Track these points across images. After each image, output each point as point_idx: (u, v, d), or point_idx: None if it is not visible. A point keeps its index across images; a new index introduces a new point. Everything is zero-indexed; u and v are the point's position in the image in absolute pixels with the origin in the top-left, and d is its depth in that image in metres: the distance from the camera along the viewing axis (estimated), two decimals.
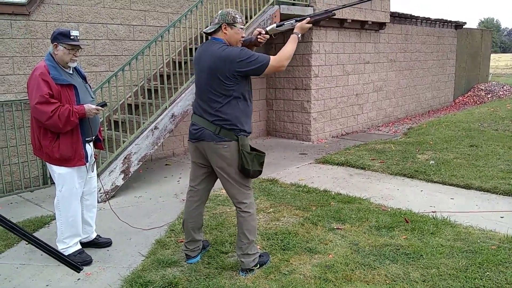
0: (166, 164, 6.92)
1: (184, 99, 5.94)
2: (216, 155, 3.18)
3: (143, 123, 5.66)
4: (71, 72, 3.51)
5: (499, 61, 42.66)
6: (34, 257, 3.73)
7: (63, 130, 3.35)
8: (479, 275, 3.19)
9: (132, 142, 5.48)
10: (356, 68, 9.64)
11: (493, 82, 17.14)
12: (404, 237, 3.91)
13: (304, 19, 3.33)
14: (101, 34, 6.33)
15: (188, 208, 3.47)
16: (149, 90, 6.36)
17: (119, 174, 5.29)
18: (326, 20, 8.35)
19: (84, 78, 3.66)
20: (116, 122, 5.99)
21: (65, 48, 3.38)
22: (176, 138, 7.50)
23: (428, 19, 12.35)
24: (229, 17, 3.16)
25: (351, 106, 9.67)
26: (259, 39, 3.35)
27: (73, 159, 3.45)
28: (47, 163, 3.55)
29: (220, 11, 3.23)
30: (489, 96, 15.09)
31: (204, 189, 3.44)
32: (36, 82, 3.29)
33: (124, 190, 5.49)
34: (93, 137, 3.67)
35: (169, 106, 5.84)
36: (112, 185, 5.21)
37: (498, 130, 8.74)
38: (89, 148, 3.61)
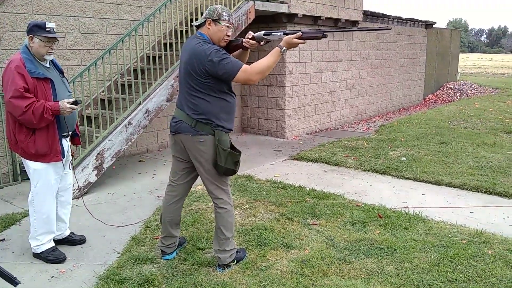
0: (140, 161, 6.84)
1: (159, 94, 5.88)
2: (193, 149, 3.16)
3: (117, 118, 5.58)
4: (47, 65, 3.42)
5: (467, 61, 43.86)
6: (6, 255, 3.64)
7: (37, 126, 3.28)
8: (451, 268, 3.28)
9: (105, 138, 5.39)
10: (329, 66, 9.74)
11: (462, 81, 17.60)
12: (378, 232, 3.98)
13: (294, 33, 3.11)
14: (73, 27, 6.19)
15: (166, 203, 3.44)
16: (123, 85, 6.26)
17: (92, 171, 5.19)
18: (300, 17, 8.40)
19: (61, 72, 3.58)
20: (88, 118, 5.88)
21: (41, 40, 3.29)
22: (150, 134, 7.42)
23: (399, 18, 12.57)
24: (215, 13, 3.11)
25: (324, 104, 9.77)
26: (244, 43, 3.26)
27: (49, 155, 3.38)
28: (22, 158, 3.46)
29: (210, 6, 3.16)
30: (457, 94, 15.48)
31: (183, 185, 3.41)
32: (11, 76, 3.21)
33: (98, 187, 5.40)
34: (70, 132, 3.59)
35: (143, 101, 5.77)
36: (85, 181, 5.11)
37: (467, 128, 8.99)
38: (66, 143, 3.54)
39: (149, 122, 5.84)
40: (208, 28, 3.13)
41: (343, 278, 3.17)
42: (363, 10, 10.35)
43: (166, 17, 6.39)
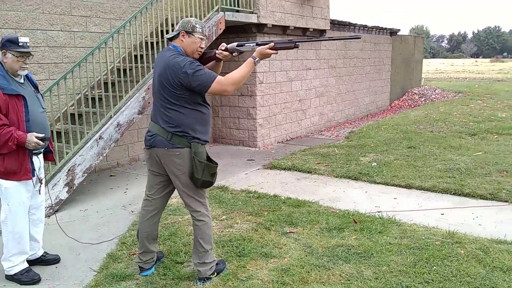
0: (111, 175, 6.73)
1: (130, 107, 5.82)
2: (169, 162, 3.15)
3: (87, 133, 5.48)
4: (21, 81, 3.36)
5: (429, 66, 45.13)
6: None
7: None
8: (427, 269, 3.37)
9: (76, 153, 5.29)
10: (299, 75, 9.86)
11: (426, 86, 18.12)
12: (354, 237, 4.05)
13: (267, 44, 3.16)
14: (40, 41, 6.07)
15: (142, 218, 3.40)
16: (93, 99, 6.16)
17: (63, 187, 5.08)
18: (269, 27, 8.49)
19: (35, 87, 3.51)
20: (58, 133, 5.74)
21: (14, 55, 3.23)
22: (121, 148, 7.32)
23: (365, 26, 12.87)
24: (189, 26, 3.13)
25: (295, 112, 9.87)
26: (217, 54, 3.28)
27: (19, 173, 3.29)
28: None
29: (183, 19, 3.18)
30: (422, 99, 15.92)
31: (160, 199, 3.39)
32: None
33: (69, 204, 5.27)
34: (42, 150, 3.49)
35: (114, 114, 5.70)
36: (56, 198, 4.99)
37: (433, 132, 9.26)
38: (37, 160, 3.45)
39: (121, 136, 5.77)
40: (182, 40, 3.15)
41: (324, 285, 3.21)
42: (331, 19, 10.55)
43: (136, 28, 6.35)
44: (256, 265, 3.53)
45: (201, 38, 3.17)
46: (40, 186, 3.56)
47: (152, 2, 6.27)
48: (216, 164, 3.22)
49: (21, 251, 3.44)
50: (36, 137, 3.24)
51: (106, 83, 6.25)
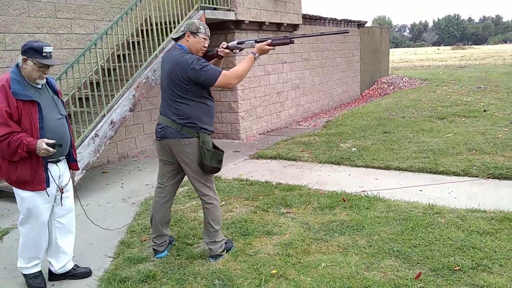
0: (104, 172, 6.93)
1: (122, 105, 6.04)
2: (180, 151, 3.45)
3: (83, 131, 5.69)
4: (39, 86, 3.18)
5: (394, 56, 46.27)
6: None
7: (9, 158, 3.08)
8: (413, 236, 3.80)
9: None
10: (275, 68, 10.23)
11: (394, 75, 18.83)
12: (345, 213, 4.44)
13: (265, 40, 3.48)
14: None
15: (156, 204, 3.69)
16: (80, 99, 6.35)
17: None
18: (246, 24, 8.81)
19: (55, 92, 3.33)
20: None
21: (35, 64, 3.07)
22: (110, 145, 7.51)
23: (334, 19, 13.34)
24: (193, 27, 3.43)
25: (273, 104, 10.24)
26: (219, 52, 3.62)
27: (31, 183, 3.14)
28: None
29: (188, 21, 3.48)
30: (391, 88, 16.56)
31: (171, 186, 3.68)
32: None
33: None
34: (62, 158, 3.33)
35: (107, 112, 5.91)
36: None
37: (405, 118, 9.79)
38: (56, 169, 3.27)
39: (115, 133, 5.99)
40: (187, 40, 3.45)
41: (324, 254, 3.59)
42: (302, 14, 10.94)
43: (122, 29, 6.54)
44: (260, 242, 3.88)
45: (204, 38, 3.48)
46: (62, 195, 3.36)
47: (136, 3, 6.49)
48: (223, 151, 3.54)
49: (34, 256, 3.36)
50: (47, 144, 3.06)
51: (92, 83, 6.43)
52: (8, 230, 4.63)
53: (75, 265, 3.59)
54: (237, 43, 3.63)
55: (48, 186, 3.20)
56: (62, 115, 3.30)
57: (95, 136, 5.68)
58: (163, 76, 3.48)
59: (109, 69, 6.72)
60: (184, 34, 3.46)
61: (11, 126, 3.01)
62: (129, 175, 6.64)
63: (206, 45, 3.53)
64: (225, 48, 3.62)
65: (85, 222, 4.72)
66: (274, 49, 3.57)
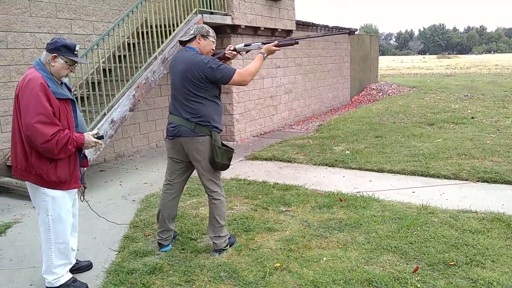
0: (101, 170, 7.00)
1: (122, 104, 6.13)
2: (193, 149, 3.57)
3: None
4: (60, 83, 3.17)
5: (381, 63, 46.84)
6: (3, 264, 3.79)
7: (55, 157, 3.01)
8: (409, 234, 3.96)
9: None
10: (269, 72, 10.39)
11: (382, 82, 19.15)
12: (342, 212, 4.60)
13: (271, 42, 3.72)
14: (29, 43, 6.28)
15: (165, 200, 3.80)
16: (81, 98, 6.41)
17: None
18: (242, 28, 8.96)
19: (70, 90, 3.30)
20: None
21: (66, 62, 3.07)
22: (107, 144, 7.56)
23: (326, 26, 13.56)
24: (204, 30, 3.61)
25: (267, 108, 10.40)
26: (226, 54, 3.80)
27: (69, 182, 3.15)
28: (31, 185, 3.13)
29: (195, 25, 3.65)
30: (380, 94, 16.86)
31: (180, 183, 3.80)
32: (35, 96, 2.91)
33: None
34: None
35: (108, 111, 6.00)
36: None
37: (396, 123, 10.02)
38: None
39: (115, 132, 6.08)
40: (198, 43, 3.61)
41: (325, 249, 3.73)
42: (296, 20, 11.14)
43: (123, 30, 6.64)
44: (262, 238, 4.01)
45: (213, 41, 3.68)
46: (84, 191, 3.47)
47: (137, 5, 6.60)
48: (233, 149, 3.68)
49: (66, 262, 3.28)
50: (92, 135, 3.11)
51: (93, 83, 6.51)
52: (10, 224, 4.68)
53: (77, 259, 3.61)
54: (244, 45, 3.83)
55: (82, 183, 3.25)
56: (81, 112, 3.38)
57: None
58: (176, 76, 3.60)
59: (108, 70, 6.80)
60: (194, 37, 3.61)
61: (58, 125, 2.98)
62: (127, 174, 6.72)
63: (214, 47, 3.70)
64: (232, 50, 3.79)
65: (88, 217, 4.82)
66: (280, 49, 3.75)
